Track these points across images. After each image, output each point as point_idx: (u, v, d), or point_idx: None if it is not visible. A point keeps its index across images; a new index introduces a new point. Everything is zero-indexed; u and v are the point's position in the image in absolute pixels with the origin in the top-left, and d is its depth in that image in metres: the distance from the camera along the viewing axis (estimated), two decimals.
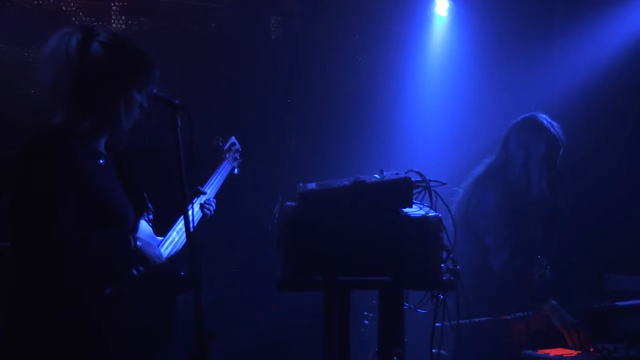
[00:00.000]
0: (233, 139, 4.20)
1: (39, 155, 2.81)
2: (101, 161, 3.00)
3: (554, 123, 4.46)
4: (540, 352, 3.99)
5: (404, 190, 2.89)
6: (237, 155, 4.19)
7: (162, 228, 3.41)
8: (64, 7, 5.00)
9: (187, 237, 2.89)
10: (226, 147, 4.14)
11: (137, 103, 3.02)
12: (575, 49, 5.76)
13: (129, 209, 3.04)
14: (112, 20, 5.23)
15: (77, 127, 2.90)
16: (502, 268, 4.23)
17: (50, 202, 2.76)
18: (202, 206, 3.73)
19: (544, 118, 4.47)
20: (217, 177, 3.98)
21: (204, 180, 3.90)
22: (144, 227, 3.19)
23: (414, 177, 2.96)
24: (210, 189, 3.89)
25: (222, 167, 4.05)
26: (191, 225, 2.84)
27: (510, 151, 4.45)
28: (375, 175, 3.01)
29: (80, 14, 5.06)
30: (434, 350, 3.15)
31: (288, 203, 2.99)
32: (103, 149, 3.06)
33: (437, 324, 3.10)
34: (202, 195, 3.77)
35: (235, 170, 4.15)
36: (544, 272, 4.30)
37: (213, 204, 3.82)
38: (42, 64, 2.97)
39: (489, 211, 4.31)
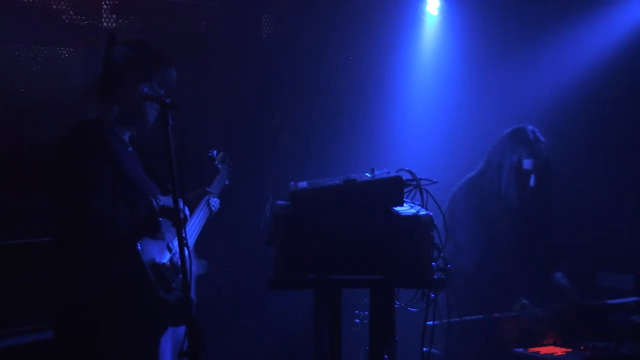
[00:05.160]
0: (220, 153, 4.33)
1: (79, 141, 3.15)
2: (130, 149, 3.38)
3: (541, 138, 4.41)
4: (531, 350, 4.01)
5: (395, 188, 2.89)
6: (229, 167, 4.34)
7: None
8: (54, 6, 4.98)
9: (177, 235, 2.90)
10: (219, 158, 4.25)
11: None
12: (567, 48, 5.75)
13: (157, 192, 3.36)
14: (103, 19, 5.19)
15: (108, 117, 3.27)
16: (474, 271, 4.22)
17: (88, 178, 3.08)
18: (208, 202, 3.91)
19: (530, 131, 4.41)
20: (217, 181, 4.16)
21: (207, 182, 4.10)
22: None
23: (405, 176, 2.97)
24: (215, 189, 4.09)
25: (220, 176, 4.22)
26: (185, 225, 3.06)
27: (489, 159, 4.47)
28: (367, 174, 3.02)
29: (71, 12, 5.03)
30: (424, 349, 3.16)
31: (279, 202, 2.99)
32: (128, 141, 3.41)
33: (428, 323, 3.11)
34: (207, 195, 3.95)
35: (226, 181, 4.28)
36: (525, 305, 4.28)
37: (217, 203, 4.00)
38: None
39: (462, 216, 4.32)
